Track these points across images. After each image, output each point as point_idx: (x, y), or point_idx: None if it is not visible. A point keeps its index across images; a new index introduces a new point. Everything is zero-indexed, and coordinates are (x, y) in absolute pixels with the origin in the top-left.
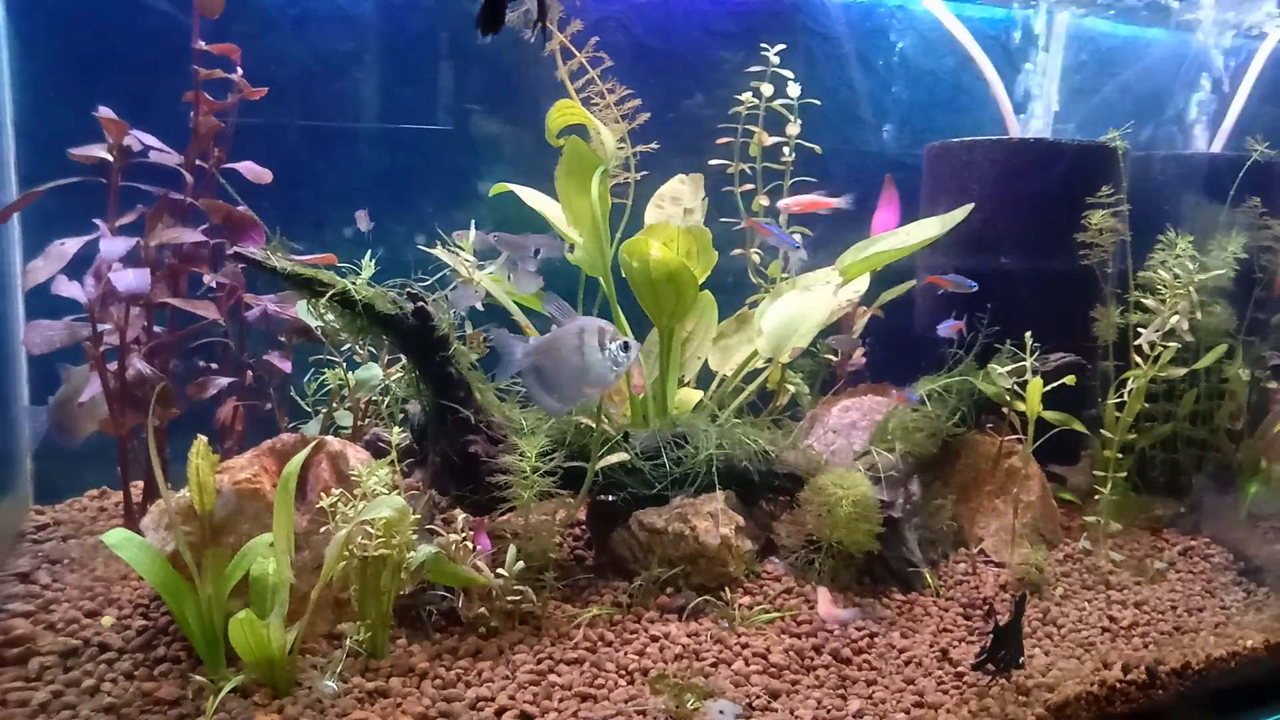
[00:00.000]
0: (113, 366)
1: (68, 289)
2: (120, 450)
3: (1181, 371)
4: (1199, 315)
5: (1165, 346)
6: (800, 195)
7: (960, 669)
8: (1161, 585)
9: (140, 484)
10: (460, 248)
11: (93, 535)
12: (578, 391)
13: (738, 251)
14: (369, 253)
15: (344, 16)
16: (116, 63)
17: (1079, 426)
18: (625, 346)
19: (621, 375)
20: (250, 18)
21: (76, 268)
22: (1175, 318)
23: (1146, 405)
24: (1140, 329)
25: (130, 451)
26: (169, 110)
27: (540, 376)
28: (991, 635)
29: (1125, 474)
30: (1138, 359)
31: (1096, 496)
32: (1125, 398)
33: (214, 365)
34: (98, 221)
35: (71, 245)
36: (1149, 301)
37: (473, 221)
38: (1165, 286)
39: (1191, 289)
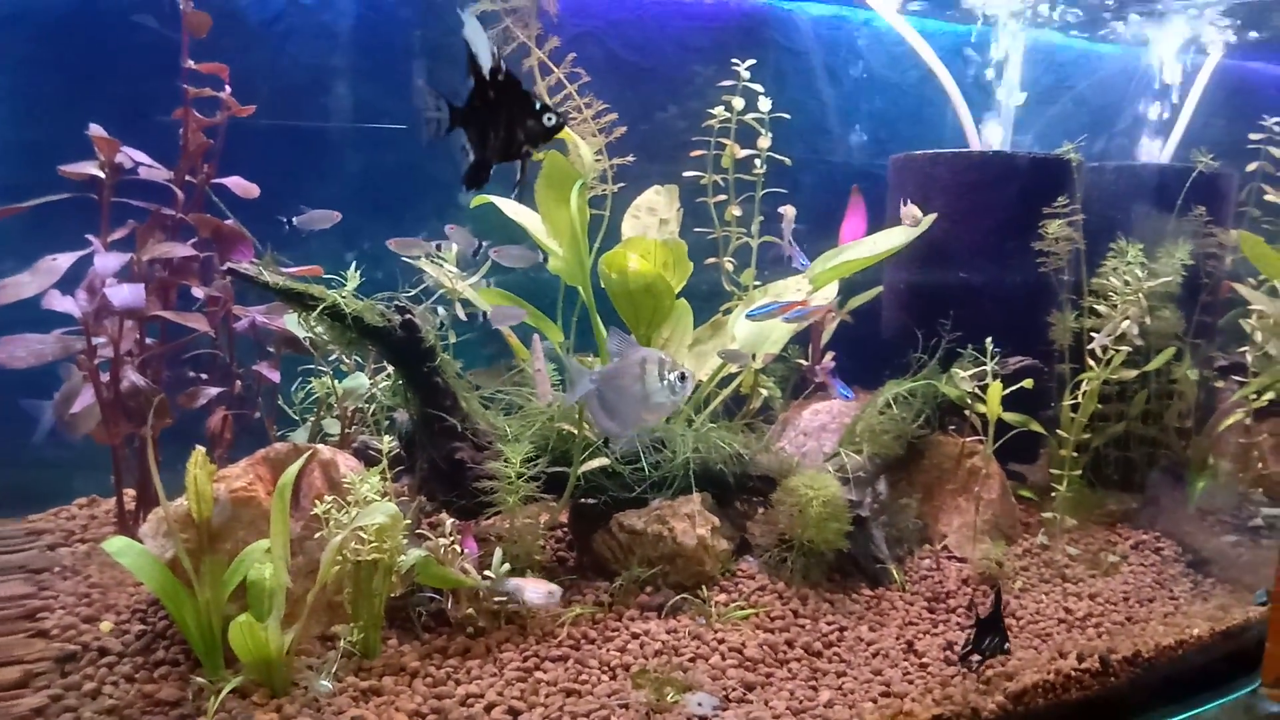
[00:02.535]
0: (105, 377)
1: (60, 303)
2: (114, 459)
3: (1133, 373)
4: (1149, 320)
5: (1117, 350)
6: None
7: (925, 660)
8: (1115, 578)
9: (131, 492)
10: (443, 259)
11: (85, 543)
12: (638, 417)
13: (712, 261)
14: (354, 264)
15: (327, 32)
16: (102, 76)
17: (1037, 427)
18: (682, 377)
19: (680, 403)
20: (233, 32)
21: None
22: (1126, 322)
23: (1100, 406)
24: (1094, 333)
25: (121, 460)
26: (146, 117)
27: (604, 403)
28: (974, 627)
29: (1080, 472)
30: (1091, 362)
31: (1053, 493)
32: (1080, 399)
33: (203, 375)
34: (90, 237)
35: (64, 260)
36: (1101, 307)
37: (451, 228)
38: (1117, 293)
39: (1141, 295)
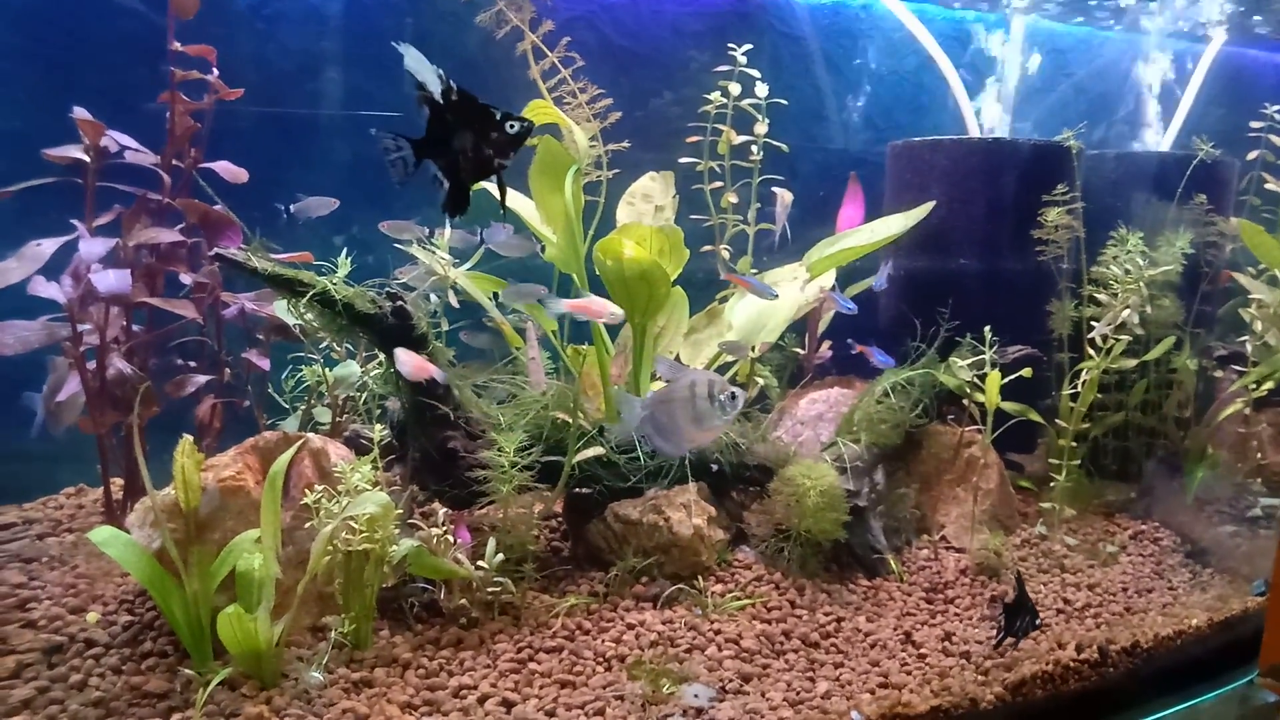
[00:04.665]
0: (91, 365)
1: (45, 289)
2: (100, 448)
3: (1132, 363)
4: (1149, 309)
5: (1117, 339)
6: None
7: (923, 651)
8: (1113, 568)
9: (118, 481)
10: (436, 246)
11: (72, 533)
12: (692, 438)
13: (708, 248)
14: (344, 250)
15: (316, 16)
16: (86, 60)
17: (1035, 416)
18: (733, 396)
19: (730, 422)
20: (222, 17)
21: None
22: (1126, 311)
23: (1099, 395)
24: (1093, 322)
25: (108, 449)
26: (132, 102)
27: (657, 425)
28: (1003, 613)
29: (1079, 461)
30: (1091, 351)
31: (1052, 483)
32: (1079, 388)
33: (191, 363)
34: (75, 222)
35: (49, 246)
36: (1101, 296)
37: (447, 220)
38: (1117, 281)
39: (1142, 284)
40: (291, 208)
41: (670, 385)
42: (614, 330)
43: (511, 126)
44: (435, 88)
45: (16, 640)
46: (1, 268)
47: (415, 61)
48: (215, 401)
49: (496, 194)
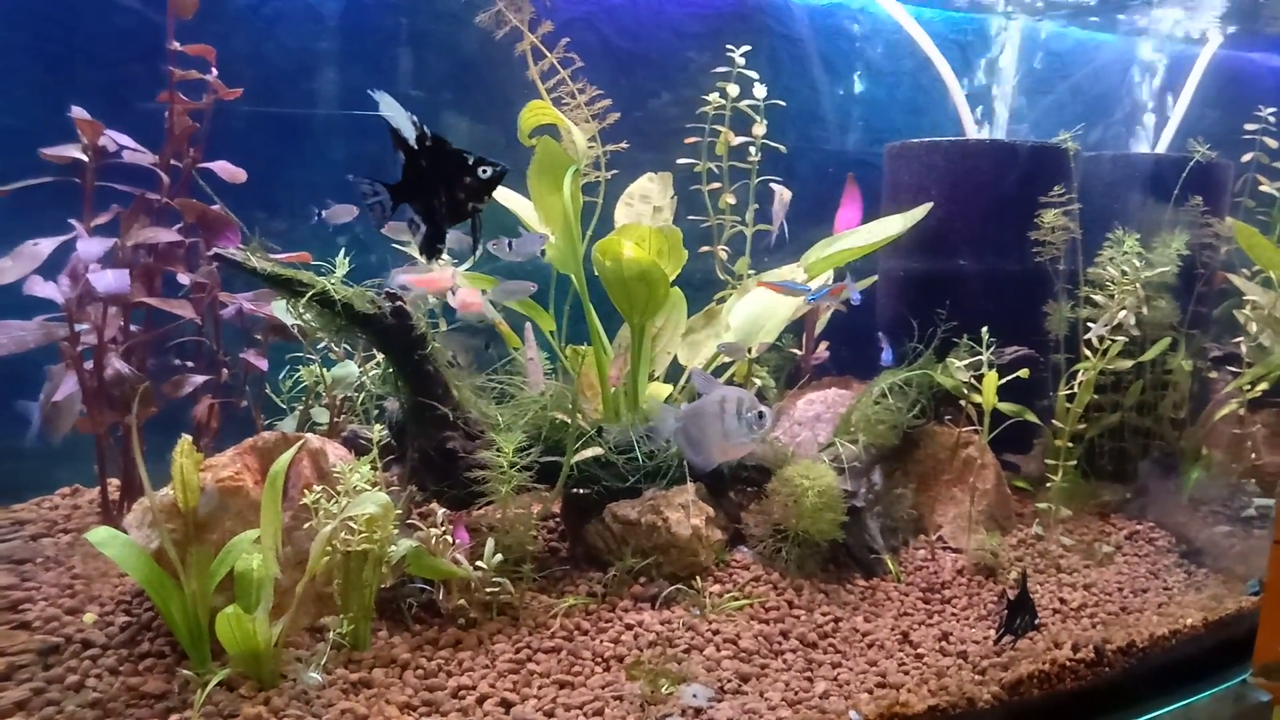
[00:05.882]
0: (88, 365)
1: (42, 289)
2: (98, 448)
3: (1128, 364)
4: (1145, 310)
5: (1113, 340)
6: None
7: (920, 650)
8: (1109, 568)
9: (115, 481)
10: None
11: (68, 533)
12: (721, 452)
13: (706, 249)
14: (343, 250)
15: (315, 16)
16: (85, 60)
17: (1032, 417)
18: (760, 414)
19: (759, 440)
20: (221, 16)
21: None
22: (1123, 312)
23: (1095, 396)
24: (1090, 323)
25: (105, 449)
26: (129, 102)
27: (688, 438)
28: (1006, 609)
29: (1075, 462)
30: (1087, 352)
31: (1048, 484)
32: (1075, 389)
33: (189, 363)
34: (73, 222)
35: (46, 245)
36: (1098, 297)
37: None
38: (1113, 283)
39: (1138, 285)
40: (323, 213)
41: (702, 399)
42: (612, 329)
43: (484, 171)
44: (410, 133)
45: (7, 642)
46: None
47: (389, 108)
48: (213, 401)
49: (497, 194)
